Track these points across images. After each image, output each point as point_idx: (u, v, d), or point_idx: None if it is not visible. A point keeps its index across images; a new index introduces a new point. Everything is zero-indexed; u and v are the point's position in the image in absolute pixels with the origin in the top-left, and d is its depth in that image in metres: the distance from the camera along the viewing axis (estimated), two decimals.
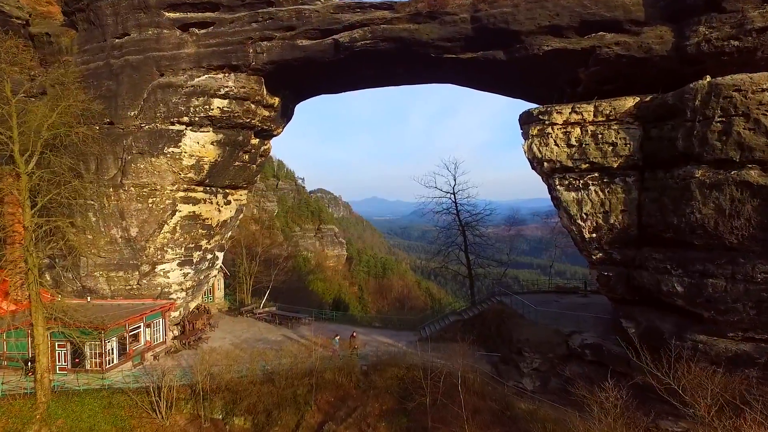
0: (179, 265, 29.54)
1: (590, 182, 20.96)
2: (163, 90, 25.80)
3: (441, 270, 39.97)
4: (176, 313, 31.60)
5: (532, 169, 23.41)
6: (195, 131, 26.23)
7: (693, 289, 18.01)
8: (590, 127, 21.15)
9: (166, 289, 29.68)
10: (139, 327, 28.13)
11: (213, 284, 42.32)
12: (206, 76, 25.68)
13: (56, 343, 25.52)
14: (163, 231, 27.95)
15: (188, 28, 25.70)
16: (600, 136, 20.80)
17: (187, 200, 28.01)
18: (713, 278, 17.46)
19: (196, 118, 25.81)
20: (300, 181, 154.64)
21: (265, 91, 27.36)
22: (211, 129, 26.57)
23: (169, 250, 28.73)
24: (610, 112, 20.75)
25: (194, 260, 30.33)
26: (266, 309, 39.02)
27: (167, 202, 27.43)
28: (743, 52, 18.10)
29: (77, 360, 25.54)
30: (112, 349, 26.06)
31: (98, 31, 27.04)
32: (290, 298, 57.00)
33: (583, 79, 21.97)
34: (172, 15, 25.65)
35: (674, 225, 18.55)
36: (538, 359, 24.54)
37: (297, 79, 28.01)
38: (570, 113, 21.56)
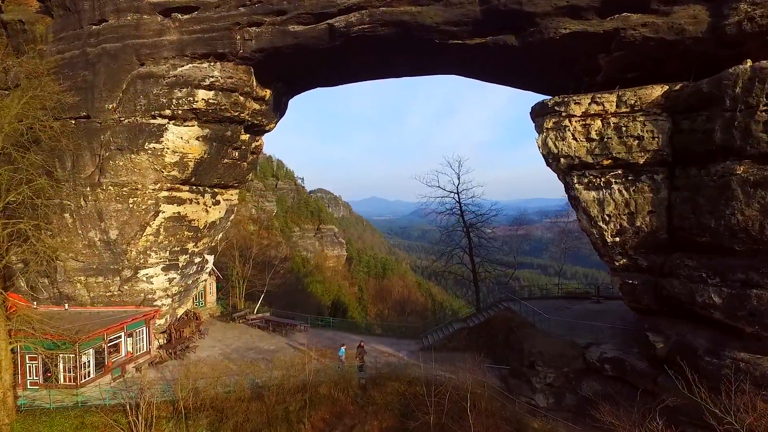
0: (164, 269, 27.26)
1: (613, 180, 18.69)
2: (143, 80, 23.53)
3: (444, 273, 37.64)
4: (162, 321, 29.32)
5: (547, 165, 21.15)
6: (178, 125, 23.95)
7: (733, 300, 15.74)
8: (613, 119, 18.89)
9: (150, 296, 27.42)
10: (119, 337, 25.87)
11: (204, 288, 40.08)
12: (190, 65, 23.40)
13: (27, 356, 23.33)
14: (145, 233, 25.68)
15: (170, 14, 23.39)
16: (624, 128, 18.54)
17: (171, 200, 25.74)
18: (758, 288, 15.19)
19: (180, 112, 23.54)
20: (299, 181, 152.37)
21: (254, 83, 25.08)
22: (196, 123, 24.29)
23: (153, 253, 26.46)
24: (635, 102, 18.48)
25: (180, 264, 28.06)
26: (260, 315, 36.76)
27: (149, 202, 25.15)
28: None
29: (49, 374, 23.28)
30: (88, 362, 23.79)
31: (74, 18, 24.76)
32: (287, 301, 54.77)
33: (604, 66, 19.68)
34: None
35: (711, 228, 16.28)
36: (552, 374, 22.27)
37: (290, 70, 25.73)
38: (590, 104, 19.31)
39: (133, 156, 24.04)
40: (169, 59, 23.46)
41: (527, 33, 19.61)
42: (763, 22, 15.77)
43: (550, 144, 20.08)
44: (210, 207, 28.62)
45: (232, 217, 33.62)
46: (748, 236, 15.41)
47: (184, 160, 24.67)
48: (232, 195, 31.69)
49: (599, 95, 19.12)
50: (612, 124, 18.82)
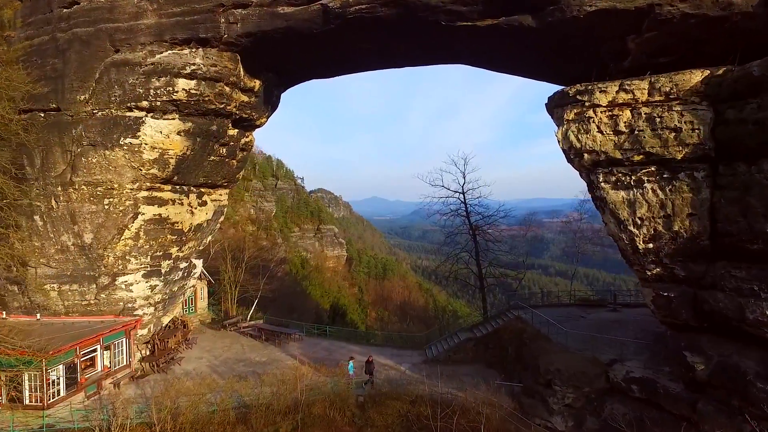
0: (144, 276, 24.84)
1: (646, 178, 16.22)
2: (118, 69, 21.10)
3: (449, 278, 35.22)
4: (144, 331, 26.91)
5: (568, 162, 18.70)
6: (157, 119, 21.51)
7: None
8: (644, 109, 16.43)
9: (130, 305, 25.01)
10: (94, 350, 23.43)
11: (194, 293, 37.67)
12: (169, 52, 20.96)
13: None
14: (123, 237, 23.26)
15: None
16: (658, 119, 16.07)
17: (151, 201, 23.31)
18: None
19: (158, 103, 21.10)
20: (299, 181, 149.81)
21: (242, 72, 22.64)
22: (176, 116, 21.85)
23: (132, 259, 24.04)
24: (671, 89, 16.01)
25: (163, 270, 25.63)
26: (252, 323, 34.33)
27: (127, 203, 22.72)
28: None
29: (12, 394, 20.86)
30: (58, 379, 21.37)
31: (44, 0, 22.35)
32: (284, 305, 52.36)
33: (633, 49, 17.20)
34: None
35: (765, 234, 13.86)
36: (572, 394, 19.79)
37: (281, 58, 23.30)
38: (617, 92, 16.84)
39: (107, 152, 21.61)
40: (146, 45, 21.02)
41: (546, 12, 17.13)
42: None
43: (572, 138, 17.62)
44: (195, 208, 26.18)
45: (222, 218, 31.18)
46: None
47: (165, 156, 22.23)
48: (221, 195, 29.24)
49: (628, 82, 16.66)
50: (644, 115, 16.37)
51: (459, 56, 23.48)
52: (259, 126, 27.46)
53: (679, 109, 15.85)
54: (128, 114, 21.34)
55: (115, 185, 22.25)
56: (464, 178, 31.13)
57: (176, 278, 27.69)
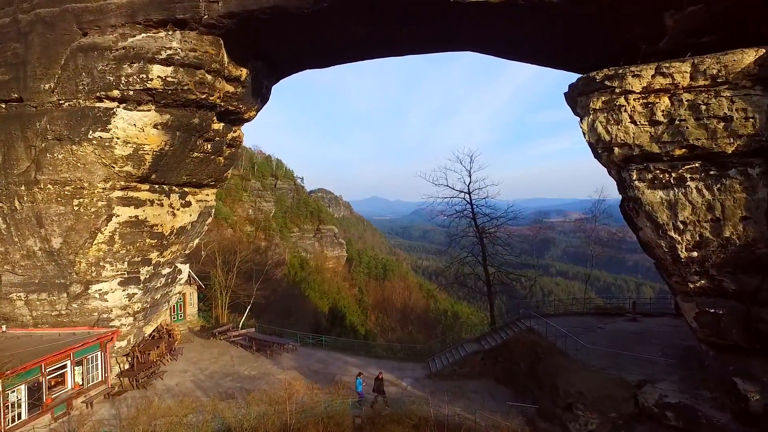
0: (121, 284, 22.44)
1: (689, 176, 13.78)
2: (85, 54, 18.67)
3: (453, 284, 32.73)
4: (123, 343, 24.51)
5: (596, 157, 16.26)
6: (130, 110, 19.08)
7: None
8: (686, 96, 13.98)
9: (106, 315, 22.62)
10: (64, 366, 21.04)
11: (183, 299, 35.26)
12: (143, 35, 18.51)
13: None
14: (96, 241, 20.85)
15: None
16: (703, 107, 13.62)
17: (126, 201, 20.89)
18: None
19: (131, 93, 18.67)
20: (299, 181, 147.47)
21: (226, 58, 20.21)
22: (152, 107, 19.42)
23: (107, 265, 21.64)
24: (718, 72, 13.56)
25: (142, 277, 23.22)
26: (243, 331, 31.88)
27: (99, 204, 20.31)
28: None
29: None
30: (19, 401, 18.96)
31: None
32: (281, 309, 49.97)
33: (671, 27, 14.77)
34: None
35: None
36: (596, 419, 17.35)
37: (269, 43, 20.89)
38: (654, 76, 14.39)
39: (74, 147, 19.17)
40: (117, 28, 18.59)
41: None
42: None
43: (600, 129, 15.18)
44: (178, 209, 23.75)
45: (209, 220, 28.75)
46: None
47: (140, 152, 19.79)
48: (207, 195, 26.82)
49: (667, 65, 14.21)
50: (686, 102, 13.91)
51: (466, 42, 21.01)
52: (247, 120, 25.03)
53: (728, 94, 13.41)
54: (98, 105, 18.92)
55: (85, 184, 19.84)
56: (470, 176, 28.79)
57: (158, 285, 25.27)
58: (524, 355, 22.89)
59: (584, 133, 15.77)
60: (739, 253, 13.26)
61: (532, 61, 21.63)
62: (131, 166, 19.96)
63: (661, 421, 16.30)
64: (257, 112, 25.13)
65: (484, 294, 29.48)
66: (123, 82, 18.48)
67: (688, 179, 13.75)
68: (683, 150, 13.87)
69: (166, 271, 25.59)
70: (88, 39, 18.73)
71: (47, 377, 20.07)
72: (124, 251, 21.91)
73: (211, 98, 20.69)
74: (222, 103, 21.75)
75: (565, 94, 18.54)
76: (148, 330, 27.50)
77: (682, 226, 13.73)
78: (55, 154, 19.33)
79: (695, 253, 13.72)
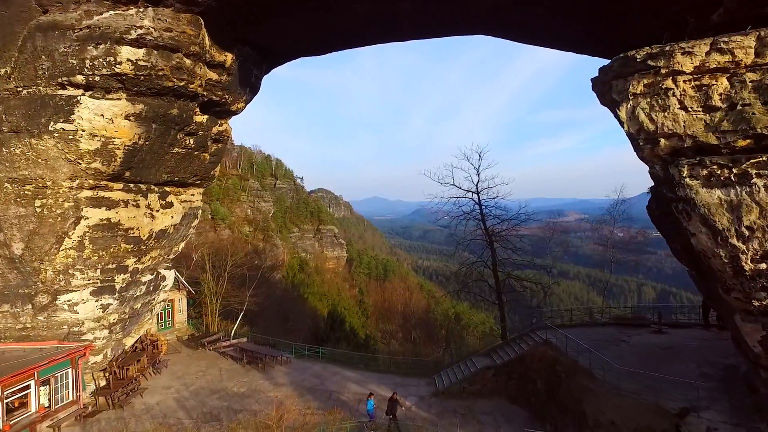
0: (93, 293, 20.01)
1: (754, 171, 11.30)
2: (45, 34, 16.22)
3: (460, 292, 30.27)
4: (98, 358, 22.11)
5: (636, 150, 13.78)
6: (97, 98, 16.64)
7: None
8: (750, 75, 11.52)
9: (77, 328, 20.20)
10: (28, 386, 18.60)
11: (172, 306, 32.84)
12: (111, 12, 16.06)
13: None
14: (64, 247, 18.42)
15: None
16: None
17: (96, 202, 18.46)
18: None
19: (97, 78, 16.22)
20: (299, 180, 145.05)
21: (207, 41, 17.76)
22: (123, 95, 16.97)
23: (77, 273, 19.21)
24: None
25: (117, 286, 20.79)
26: (234, 341, 29.45)
27: (66, 205, 17.88)
28: None
29: None
30: None
31: None
32: (277, 314, 47.54)
33: None
34: None
35: None
36: None
37: (257, 25, 18.42)
38: (709, 53, 11.91)
39: (34, 141, 16.73)
40: (81, 4, 16.12)
41: None
42: None
43: (642, 117, 12.72)
44: (157, 211, 21.30)
45: (196, 222, 26.28)
46: None
47: (109, 147, 17.34)
48: (192, 195, 24.38)
49: (726, 39, 11.74)
50: (749, 84, 11.46)
51: (478, 24, 18.54)
52: (235, 112, 22.58)
53: None
54: (60, 92, 16.47)
55: (48, 183, 17.39)
56: (478, 175, 26.35)
57: (138, 294, 22.84)
58: (541, 373, 20.43)
59: (622, 123, 13.31)
60: None
61: (550, 45, 19.15)
62: (100, 162, 17.51)
63: None
64: (246, 104, 22.67)
65: (493, 302, 27.06)
66: (88, 66, 16.02)
67: (754, 176, 11.28)
68: (747, 141, 11.40)
69: (146, 278, 23.16)
70: (48, 17, 16.27)
71: (5, 400, 17.63)
72: (96, 257, 19.47)
73: (192, 86, 18.23)
74: (205, 93, 19.29)
75: (593, 79, 16.06)
76: (129, 342, 25.10)
77: (747, 233, 11.26)
78: (12, 149, 16.87)
79: (763, 265, 11.25)
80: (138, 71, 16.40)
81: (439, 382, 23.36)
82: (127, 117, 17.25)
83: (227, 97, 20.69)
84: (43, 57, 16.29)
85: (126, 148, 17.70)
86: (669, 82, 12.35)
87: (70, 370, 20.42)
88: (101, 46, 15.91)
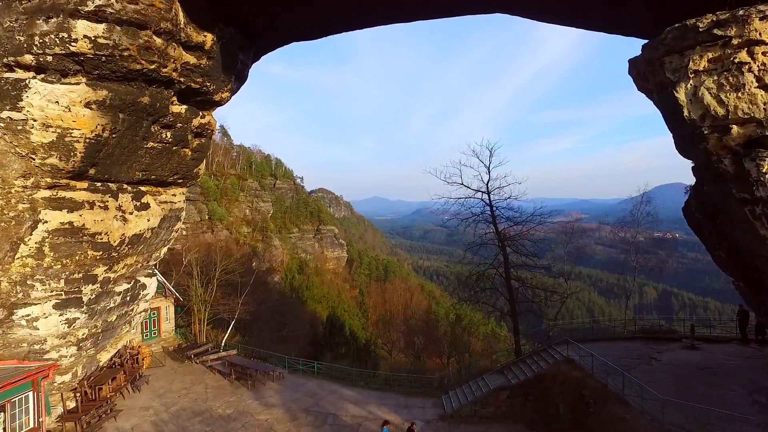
0: (57, 307, 17.48)
1: None
2: None
3: (470, 301, 27.66)
4: (66, 378, 19.60)
5: (695, 141, 11.20)
6: (51, 82, 14.09)
7: None
8: None
9: (38, 346, 17.67)
10: None
11: (158, 314, 30.33)
12: None
13: None
14: (20, 255, 15.88)
15: None
16: None
17: (56, 204, 15.93)
18: None
19: (50, 58, 13.67)
20: (299, 180, 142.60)
21: (182, 17, 15.22)
22: (83, 80, 14.43)
23: (37, 284, 16.66)
24: None
25: (85, 298, 18.25)
26: (223, 354, 26.90)
27: (20, 207, 15.35)
28: None
29: None
30: None
31: None
32: (272, 321, 44.98)
33: None
34: None
35: None
36: None
37: (242, 2, 15.90)
38: None
39: None
40: None
41: None
42: None
43: (708, 99, 10.17)
44: (130, 213, 18.74)
45: (179, 225, 23.71)
46: None
47: (67, 139, 14.79)
48: (174, 196, 21.82)
49: None
50: None
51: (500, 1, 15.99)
52: (219, 103, 20.02)
53: None
54: (6, 75, 13.90)
55: None
56: (489, 173, 23.81)
57: (111, 305, 20.31)
58: (564, 396, 17.87)
59: (682, 105, 10.74)
60: None
61: (576, 23, 16.57)
62: (57, 157, 14.95)
63: None
64: (231, 93, 20.10)
65: (505, 314, 24.52)
66: (38, 43, 13.45)
67: None
68: None
69: (121, 287, 20.63)
70: None
71: None
72: (59, 266, 16.92)
73: (165, 70, 15.67)
74: (181, 79, 16.74)
75: (632, 60, 13.58)
76: (105, 357, 22.56)
77: None
78: None
79: None
80: (98, 51, 13.83)
81: (447, 404, 20.81)
82: (87, 105, 14.68)
83: (209, 84, 18.13)
84: None
85: (87, 141, 15.14)
86: (743, 55, 9.81)
87: (30, 394, 17.91)
88: (53, 20, 13.33)
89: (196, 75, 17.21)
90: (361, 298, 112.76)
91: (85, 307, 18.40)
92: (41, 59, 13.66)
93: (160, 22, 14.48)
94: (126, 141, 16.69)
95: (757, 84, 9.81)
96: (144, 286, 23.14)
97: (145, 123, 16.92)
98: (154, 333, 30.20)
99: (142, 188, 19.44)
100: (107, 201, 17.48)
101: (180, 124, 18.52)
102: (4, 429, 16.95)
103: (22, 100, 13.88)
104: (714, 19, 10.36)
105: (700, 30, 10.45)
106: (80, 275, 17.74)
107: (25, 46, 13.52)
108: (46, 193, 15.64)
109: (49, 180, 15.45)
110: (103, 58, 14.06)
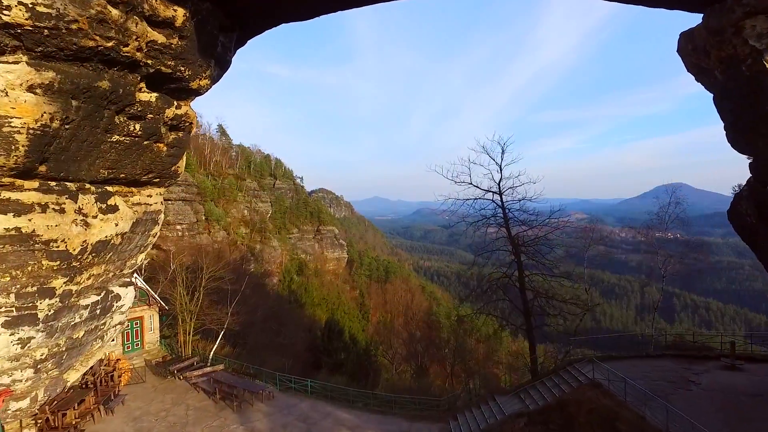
0: (7, 325, 15.00)
1: None
2: None
3: (480, 314, 25.08)
4: (23, 404, 17.12)
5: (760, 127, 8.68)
6: None
7: None
8: None
9: None
10: None
11: (141, 324, 27.84)
12: None
13: None
14: None
15: None
16: None
17: (0, 207, 13.47)
18: None
19: None
20: (299, 180, 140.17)
21: None
22: (23, 58, 11.91)
23: None
24: None
25: (42, 314, 15.75)
26: (209, 369, 24.40)
27: None
28: None
29: None
30: None
31: None
32: (267, 328, 42.46)
33: None
34: None
35: None
36: None
37: None
38: None
39: None
40: None
41: None
42: None
43: None
44: (94, 217, 16.22)
45: (157, 230, 21.20)
46: None
47: (5, 130, 12.25)
48: (150, 197, 19.31)
49: None
50: None
51: None
52: (197, 92, 17.44)
53: None
54: None
55: None
56: (501, 172, 21.29)
57: (76, 321, 17.81)
58: (593, 428, 15.30)
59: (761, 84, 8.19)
60: None
61: None
62: None
63: None
64: (212, 81, 17.54)
65: (519, 327, 21.97)
66: None
67: None
68: None
69: (87, 300, 18.12)
70: None
71: None
72: (8, 279, 14.44)
73: (126, 49, 13.13)
74: (149, 61, 14.20)
75: (685, 33, 11.02)
76: (74, 376, 20.00)
77: None
78: None
79: None
80: (38, 22, 11.29)
81: (456, 430, 18.25)
82: (30, 89, 12.15)
83: (183, 69, 15.58)
84: None
85: (32, 132, 12.60)
86: None
87: None
88: None
89: (166, 57, 14.67)
90: (362, 299, 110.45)
91: (41, 324, 15.89)
92: None
93: None
94: (84, 133, 14.16)
95: None
96: (118, 297, 20.62)
97: (107, 112, 14.39)
98: (137, 344, 27.71)
99: (109, 188, 16.93)
100: (63, 203, 14.95)
101: (151, 115, 15.98)
102: None
103: None
104: None
105: None
106: (34, 288, 15.23)
107: None
108: None
109: None
110: (46, 32, 11.53)
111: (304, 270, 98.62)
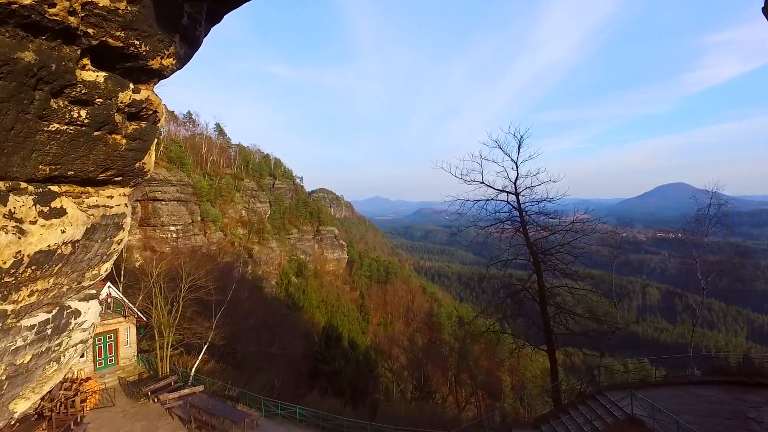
0: None
1: None
2: None
3: (490, 332, 22.17)
4: None
5: None
6: None
7: None
8: None
9: None
10: None
11: (116, 338, 24.95)
12: None
13: None
14: None
15: None
16: None
17: None
18: None
19: None
20: (298, 180, 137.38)
21: None
22: None
23: None
24: None
25: None
26: (186, 392, 21.47)
27: None
28: None
29: None
30: None
31: None
32: (260, 337, 39.55)
33: None
34: None
35: None
36: None
37: None
38: None
39: None
40: None
41: None
42: None
43: None
44: (32, 223, 13.22)
45: (122, 235, 18.21)
46: None
47: None
48: (109, 198, 16.16)
49: None
50: None
51: None
52: (160, 73, 14.15)
53: None
54: None
55: None
56: (517, 169, 18.33)
57: (19, 345, 14.72)
58: None
59: None
60: None
61: None
62: None
63: None
64: (177, 60, 14.34)
65: (538, 348, 19.05)
66: None
67: None
68: None
69: (34, 320, 15.06)
70: None
71: None
72: None
73: (53, 11, 10.04)
74: (89, 30, 11.08)
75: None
76: (23, 406, 16.97)
77: None
78: None
79: None
80: None
81: None
82: None
83: (137, 43, 12.48)
84: None
85: None
86: None
87: None
88: None
89: (112, 26, 11.62)
90: (362, 300, 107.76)
91: None
92: None
93: None
94: (8, 119, 11.12)
95: None
96: (77, 314, 17.59)
97: (39, 94, 11.31)
98: (111, 360, 24.83)
99: (54, 188, 13.86)
100: None
101: (99, 100, 12.88)
102: None
103: None
104: None
105: None
106: None
107: None
108: None
109: None
110: None
111: (304, 271, 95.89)
